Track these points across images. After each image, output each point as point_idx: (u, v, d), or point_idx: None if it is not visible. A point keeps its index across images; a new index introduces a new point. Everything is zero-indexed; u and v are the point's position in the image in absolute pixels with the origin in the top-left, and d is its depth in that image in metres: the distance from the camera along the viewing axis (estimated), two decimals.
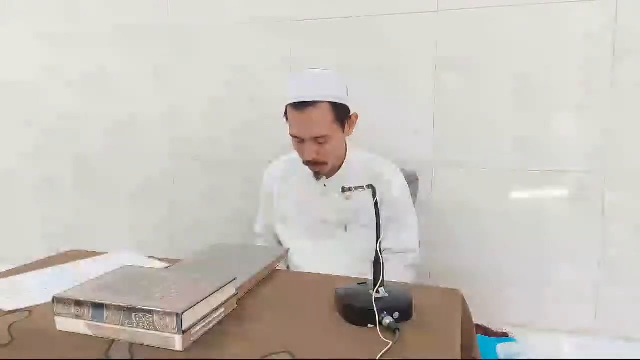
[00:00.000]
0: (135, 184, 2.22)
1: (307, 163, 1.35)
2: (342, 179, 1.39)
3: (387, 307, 0.82)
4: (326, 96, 1.26)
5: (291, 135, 1.32)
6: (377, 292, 0.85)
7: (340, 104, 1.30)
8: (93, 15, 2.19)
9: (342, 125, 1.32)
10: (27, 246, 2.42)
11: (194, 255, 1.14)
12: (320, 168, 1.36)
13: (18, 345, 0.81)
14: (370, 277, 0.89)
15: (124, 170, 2.23)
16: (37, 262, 1.18)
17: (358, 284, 0.94)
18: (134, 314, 0.74)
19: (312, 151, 1.30)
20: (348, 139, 1.42)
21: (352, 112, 1.35)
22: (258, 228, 1.54)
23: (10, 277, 1.05)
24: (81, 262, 1.16)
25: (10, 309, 0.88)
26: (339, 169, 1.41)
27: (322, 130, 1.27)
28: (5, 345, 0.82)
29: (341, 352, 0.74)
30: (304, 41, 1.90)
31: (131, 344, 0.75)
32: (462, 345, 0.90)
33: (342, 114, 1.31)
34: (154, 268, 0.96)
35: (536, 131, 1.69)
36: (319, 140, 1.28)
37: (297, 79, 1.30)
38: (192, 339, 0.75)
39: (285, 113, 1.33)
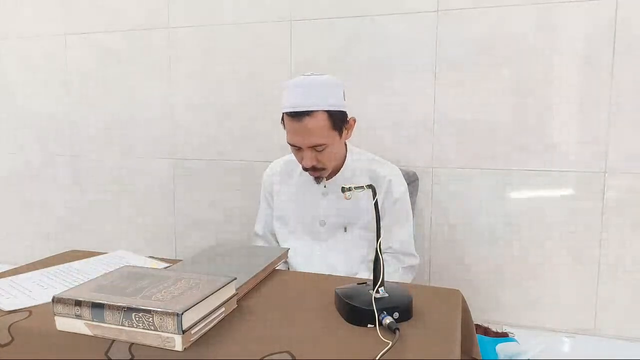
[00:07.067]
0: (135, 184, 2.22)
1: (306, 169, 1.35)
2: (343, 179, 1.39)
3: (387, 307, 0.82)
4: (322, 105, 1.25)
5: (289, 143, 1.32)
6: (377, 292, 0.85)
7: (337, 110, 1.28)
8: (92, 14, 2.19)
9: (340, 131, 1.31)
10: (27, 246, 2.43)
11: (194, 255, 1.14)
12: (320, 174, 1.36)
13: (18, 345, 0.82)
14: (370, 277, 0.89)
15: (123, 170, 2.23)
16: (37, 262, 1.18)
17: (358, 284, 0.93)
18: (134, 314, 0.74)
19: (310, 159, 1.29)
20: (347, 140, 1.42)
21: (349, 116, 1.35)
22: (258, 229, 1.54)
23: (10, 277, 1.05)
24: (81, 262, 1.16)
25: (10, 309, 0.88)
26: (339, 170, 1.41)
27: (319, 139, 1.26)
28: (5, 345, 0.82)
29: (341, 352, 0.74)
30: (304, 41, 1.90)
31: (131, 344, 0.75)
32: (462, 345, 0.90)
33: (339, 120, 1.29)
34: (154, 268, 0.96)
35: (536, 131, 1.69)
36: (317, 148, 1.28)
37: (292, 87, 1.28)
38: (192, 339, 0.75)
39: (282, 120, 1.33)
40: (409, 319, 0.84)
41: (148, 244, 2.20)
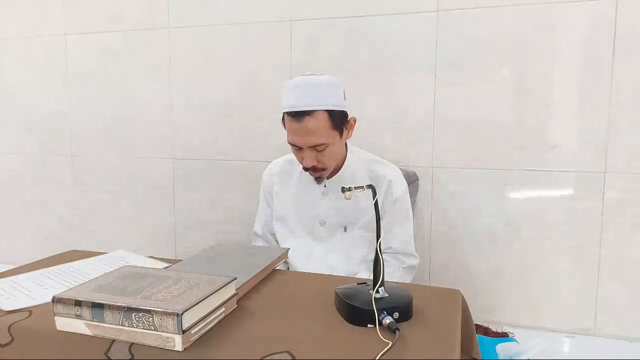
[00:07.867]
0: (136, 184, 2.22)
1: (306, 169, 1.35)
2: (343, 179, 1.39)
3: (387, 307, 0.82)
4: (322, 104, 1.25)
5: (289, 142, 1.32)
6: (377, 292, 0.85)
7: (337, 110, 1.28)
8: (92, 14, 2.19)
9: (340, 131, 1.31)
10: (27, 246, 2.43)
11: (194, 255, 1.14)
12: (320, 174, 1.35)
13: (18, 345, 0.82)
14: (370, 277, 0.89)
15: (124, 171, 2.23)
16: (37, 262, 1.18)
17: (358, 284, 0.93)
18: (134, 314, 0.74)
19: (311, 158, 1.29)
20: (348, 140, 1.42)
21: (350, 116, 1.35)
22: (257, 228, 1.54)
23: (10, 277, 1.05)
24: (81, 262, 1.15)
25: (10, 309, 0.88)
26: (339, 169, 1.41)
27: (319, 139, 1.26)
28: (5, 345, 0.82)
29: (341, 352, 0.74)
30: (304, 41, 1.90)
31: (131, 344, 0.75)
32: (462, 345, 0.90)
33: (339, 120, 1.29)
34: (154, 268, 0.96)
35: (536, 131, 1.69)
36: (317, 148, 1.28)
37: (292, 87, 1.28)
38: (192, 339, 0.75)
39: (283, 120, 1.33)
40: (409, 319, 0.84)
41: (148, 244, 2.20)
